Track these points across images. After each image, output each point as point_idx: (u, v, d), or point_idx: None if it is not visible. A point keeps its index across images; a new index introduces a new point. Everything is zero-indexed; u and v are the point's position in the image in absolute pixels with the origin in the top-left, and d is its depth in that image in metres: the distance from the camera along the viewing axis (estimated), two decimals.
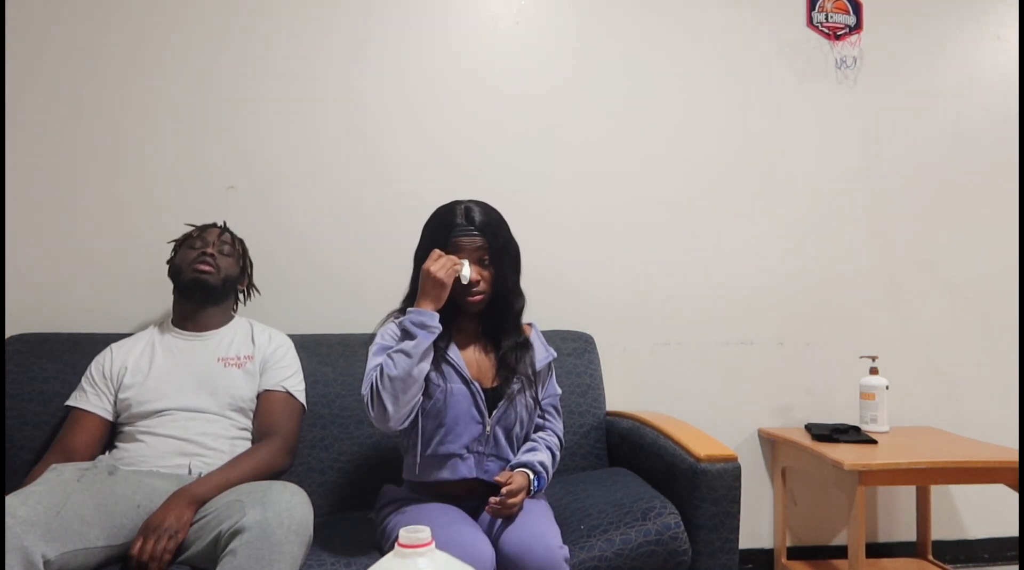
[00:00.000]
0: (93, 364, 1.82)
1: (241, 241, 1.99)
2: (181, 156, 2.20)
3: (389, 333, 1.57)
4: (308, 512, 1.43)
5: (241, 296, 2.01)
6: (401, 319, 1.54)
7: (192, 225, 1.96)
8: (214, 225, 1.94)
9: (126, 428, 1.74)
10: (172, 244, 1.94)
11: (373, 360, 1.53)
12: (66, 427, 1.75)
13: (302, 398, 1.86)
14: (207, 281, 1.81)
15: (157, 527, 1.44)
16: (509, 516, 1.48)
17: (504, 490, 1.46)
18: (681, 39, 2.46)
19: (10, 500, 1.33)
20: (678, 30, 2.46)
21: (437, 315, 1.51)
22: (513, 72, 2.38)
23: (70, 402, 1.77)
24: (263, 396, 1.81)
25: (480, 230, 1.57)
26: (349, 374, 2.01)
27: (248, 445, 1.77)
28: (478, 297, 1.58)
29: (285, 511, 1.37)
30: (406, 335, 1.50)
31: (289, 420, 1.79)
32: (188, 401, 1.73)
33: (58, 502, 1.38)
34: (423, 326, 1.49)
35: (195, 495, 1.51)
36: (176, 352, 1.81)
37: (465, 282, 1.54)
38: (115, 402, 1.76)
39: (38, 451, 1.83)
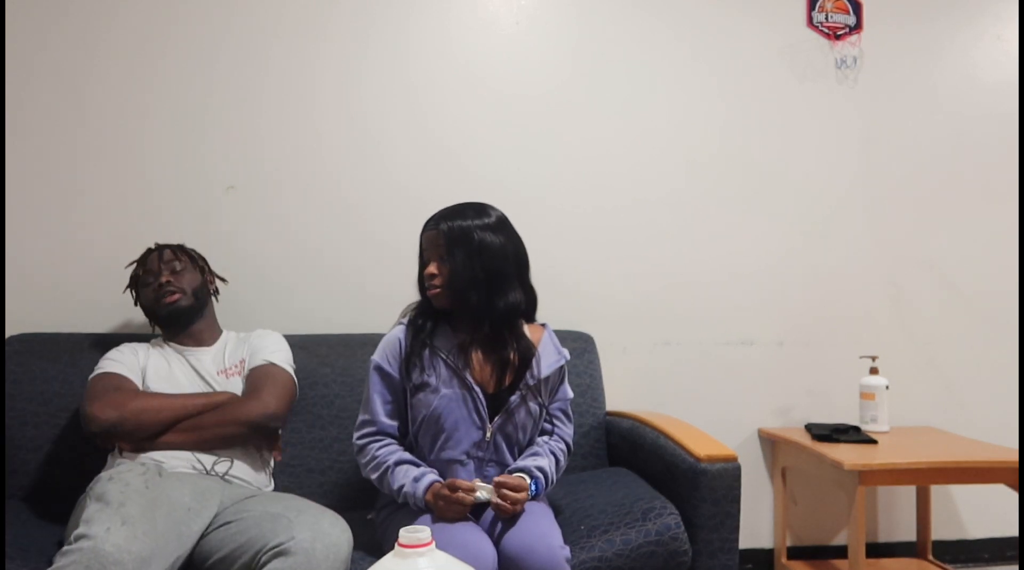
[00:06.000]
0: (114, 352, 1.80)
1: (180, 246, 1.92)
2: (181, 156, 2.20)
3: (394, 339, 1.62)
4: (350, 550, 1.43)
5: (213, 291, 1.96)
6: (403, 485, 1.52)
7: (133, 263, 1.91)
8: (149, 251, 1.89)
9: None
10: (128, 292, 1.91)
11: (372, 377, 1.61)
12: (104, 379, 1.72)
13: (289, 369, 1.83)
14: (181, 306, 1.82)
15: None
16: (511, 516, 1.48)
17: (498, 479, 1.48)
18: (681, 39, 2.46)
19: (123, 533, 1.29)
20: (678, 30, 2.45)
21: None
22: (513, 72, 2.37)
23: (100, 370, 1.75)
24: (249, 372, 1.81)
25: (441, 225, 1.58)
26: (349, 374, 2.01)
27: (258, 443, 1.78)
28: (434, 291, 1.59)
29: (333, 546, 1.37)
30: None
31: (272, 384, 1.76)
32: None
33: (150, 529, 1.35)
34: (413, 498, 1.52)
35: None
36: (182, 362, 1.83)
37: (484, 499, 1.48)
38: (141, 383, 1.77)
39: (38, 451, 1.84)
